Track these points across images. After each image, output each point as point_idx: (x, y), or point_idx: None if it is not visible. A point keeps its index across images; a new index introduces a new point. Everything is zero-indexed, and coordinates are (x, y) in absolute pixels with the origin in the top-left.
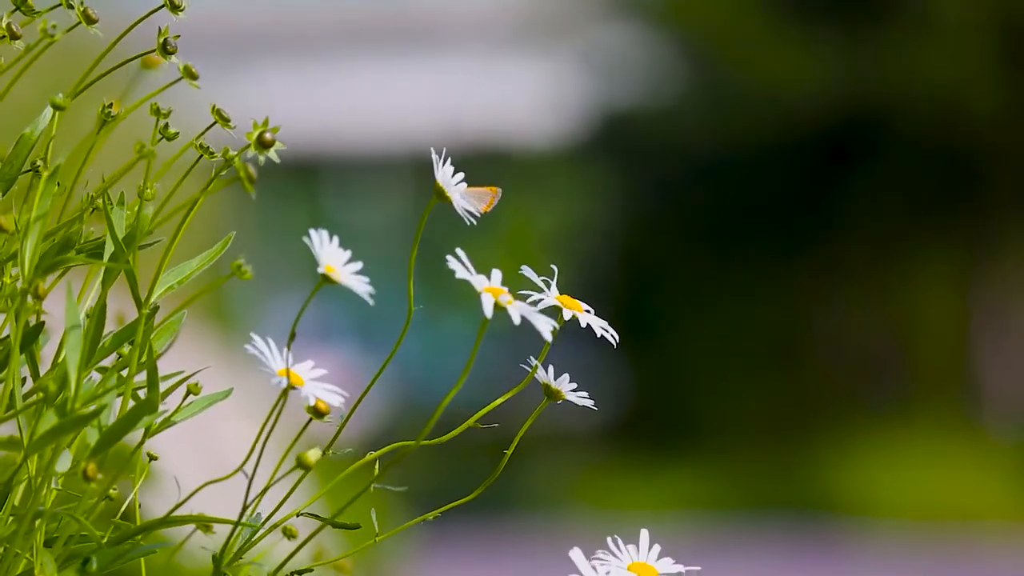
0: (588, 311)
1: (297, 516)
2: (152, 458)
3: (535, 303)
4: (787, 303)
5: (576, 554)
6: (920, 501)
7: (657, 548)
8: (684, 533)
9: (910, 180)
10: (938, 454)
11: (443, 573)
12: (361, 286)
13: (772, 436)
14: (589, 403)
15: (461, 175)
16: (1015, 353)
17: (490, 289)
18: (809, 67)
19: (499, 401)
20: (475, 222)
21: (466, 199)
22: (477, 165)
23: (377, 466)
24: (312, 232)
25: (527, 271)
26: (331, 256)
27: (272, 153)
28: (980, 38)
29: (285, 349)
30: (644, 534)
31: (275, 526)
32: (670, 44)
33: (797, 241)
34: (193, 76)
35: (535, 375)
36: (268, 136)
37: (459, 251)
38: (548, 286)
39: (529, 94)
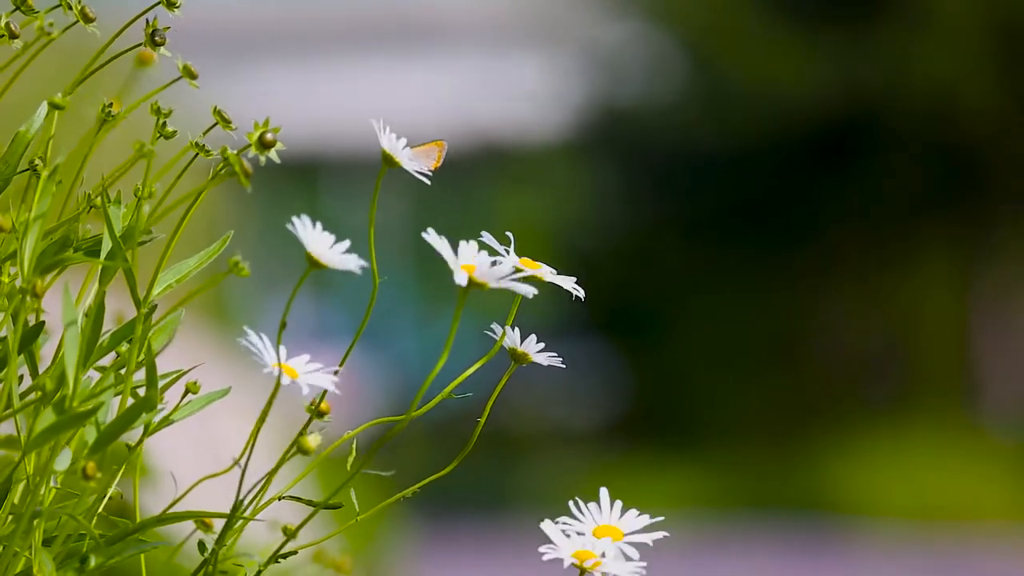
0: (550, 271)
1: (279, 500)
2: (144, 459)
3: (495, 264)
4: (787, 302)
5: (547, 525)
6: (920, 500)
7: (619, 504)
8: (684, 531)
9: (909, 178)
10: (938, 453)
11: (443, 573)
12: (351, 262)
13: (772, 435)
14: (557, 362)
15: (404, 140)
16: (1015, 352)
17: (466, 267)
18: (807, 65)
19: (470, 371)
20: (428, 181)
21: (415, 160)
22: (477, 163)
23: (354, 448)
24: (295, 219)
25: (486, 237)
26: (316, 241)
27: (272, 153)
28: (977, 36)
29: (277, 343)
30: (603, 492)
31: (257, 509)
32: (669, 41)
33: (797, 240)
34: (192, 75)
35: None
36: (269, 136)
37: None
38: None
39: (529, 92)
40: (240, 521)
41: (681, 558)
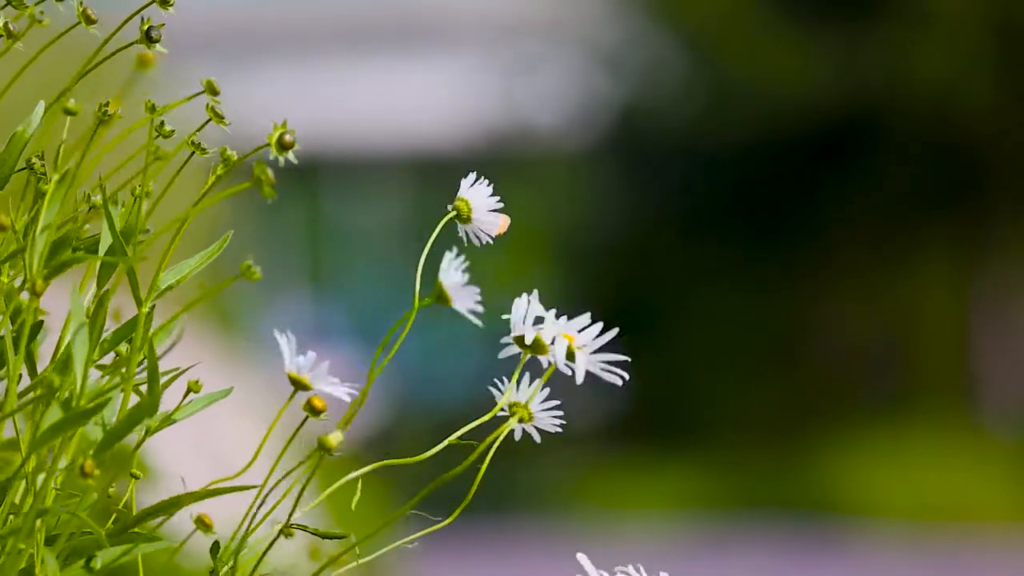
0: (586, 344)
1: (282, 533)
2: (143, 459)
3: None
4: (787, 302)
5: (583, 558)
6: (920, 500)
7: None
8: (684, 532)
9: (909, 178)
10: (938, 453)
11: (444, 573)
12: (337, 390)
13: (772, 435)
14: (557, 428)
15: (496, 198)
16: (1015, 352)
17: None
18: (808, 65)
19: (473, 424)
20: (491, 241)
21: (481, 227)
22: (477, 163)
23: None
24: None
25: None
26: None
27: (291, 155)
28: (978, 35)
29: (294, 348)
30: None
31: (270, 540)
32: (670, 41)
33: (797, 239)
34: (215, 92)
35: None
36: (288, 138)
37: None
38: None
39: (530, 92)
40: (246, 531)
41: (681, 558)
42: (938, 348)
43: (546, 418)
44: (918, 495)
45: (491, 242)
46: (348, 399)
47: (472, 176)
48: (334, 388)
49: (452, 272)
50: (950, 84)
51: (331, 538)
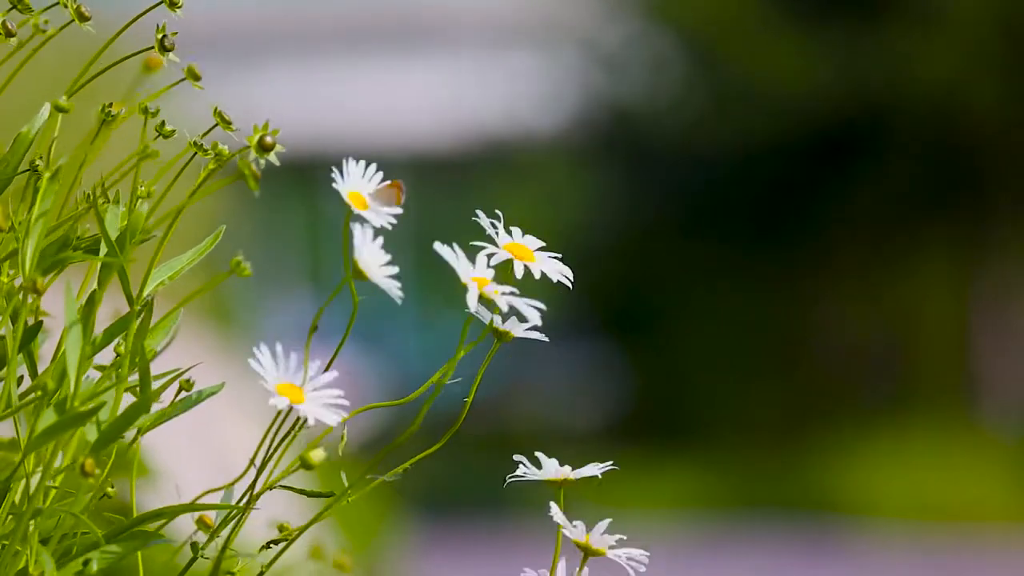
0: (543, 255)
1: (271, 488)
2: (141, 457)
3: (490, 256)
4: (787, 301)
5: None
6: (920, 500)
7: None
8: (684, 532)
9: (910, 178)
10: (938, 453)
11: (443, 573)
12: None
13: (772, 435)
14: (541, 336)
15: (379, 176)
16: (1015, 351)
17: (477, 278)
18: (809, 64)
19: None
20: (395, 221)
21: (378, 212)
22: (477, 163)
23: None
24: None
25: (480, 216)
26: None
27: (272, 156)
28: (980, 35)
29: (291, 356)
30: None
31: (255, 498)
32: (670, 40)
33: (797, 239)
34: (196, 77)
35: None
36: (269, 140)
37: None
38: (497, 233)
39: (530, 92)
40: (238, 516)
41: (681, 558)
42: (938, 348)
43: (525, 332)
44: (918, 495)
45: (391, 217)
46: (335, 423)
47: (342, 168)
48: (323, 412)
49: (367, 247)
50: (954, 85)
51: (316, 496)
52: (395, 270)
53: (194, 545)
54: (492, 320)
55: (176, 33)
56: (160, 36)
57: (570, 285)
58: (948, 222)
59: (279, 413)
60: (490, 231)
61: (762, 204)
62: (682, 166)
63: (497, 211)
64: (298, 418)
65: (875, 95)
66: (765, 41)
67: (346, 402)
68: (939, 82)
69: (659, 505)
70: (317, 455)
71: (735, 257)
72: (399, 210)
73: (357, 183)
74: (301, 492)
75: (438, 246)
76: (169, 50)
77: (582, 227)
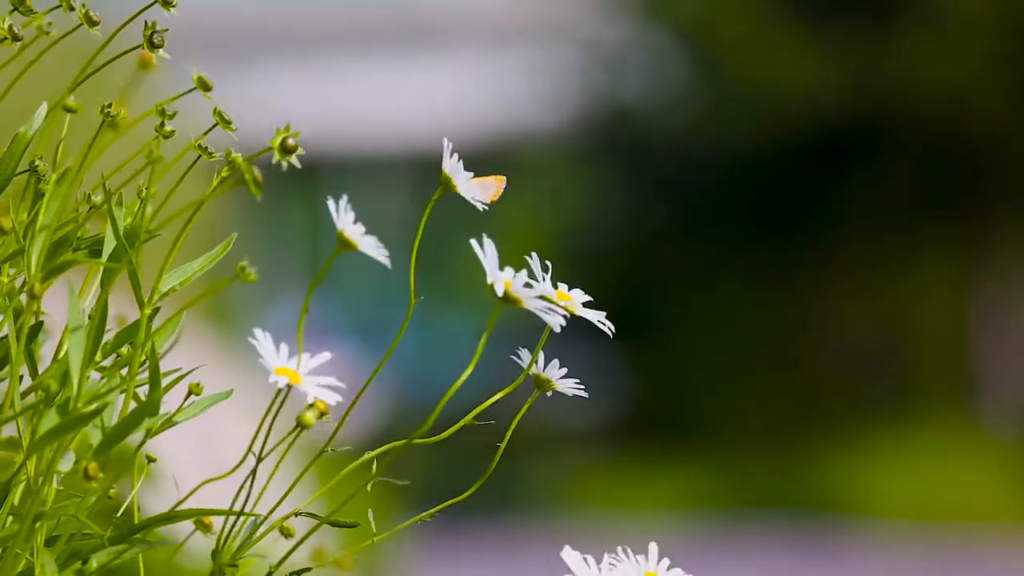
0: (584, 303)
1: (296, 516)
2: (151, 459)
3: (544, 298)
4: (787, 302)
5: (568, 554)
6: (920, 500)
7: (667, 562)
8: (684, 532)
9: (911, 178)
10: (938, 453)
11: (444, 573)
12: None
13: (772, 435)
14: (581, 392)
15: (462, 167)
16: (1015, 351)
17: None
18: (811, 65)
19: (495, 398)
20: (486, 207)
21: (472, 189)
22: (476, 164)
23: (375, 463)
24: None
25: (533, 260)
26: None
27: (294, 159)
28: (984, 37)
29: (282, 347)
30: (653, 547)
31: (274, 525)
32: (670, 41)
33: (798, 239)
34: (207, 87)
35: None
36: (291, 142)
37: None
38: (545, 278)
39: (530, 92)
40: (250, 528)
41: (681, 558)
42: (938, 348)
43: (568, 384)
44: (918, 495)
45: (487, 207)
46: (333, 403)
47: (449, 150)
48: (321, 391)
49: (345, 216)
50: (957, 86)
51: (338, 526)
52: (374, 239)
53: (213, 553)
54: (536, 372)
55: (167, 30)
56: (149, 33)
57: (610, 333)
58: (948, 222)
59: (275, 396)
60: (540, 276)
61: (762, 204)
62: (682, 166)
63: (548, 263)
64: (298, 418)
65: (875, 95)
66: (766, 40)
67: (342, 384)
68: (939, 82)
69: (660, 505)
70: (311, 415)
71: (735, 257)
72: (486, 205)
73: (453, 168)
74: (320, 519)
75: (474, 243)
76: (158, 46)
77: (582, 227)
